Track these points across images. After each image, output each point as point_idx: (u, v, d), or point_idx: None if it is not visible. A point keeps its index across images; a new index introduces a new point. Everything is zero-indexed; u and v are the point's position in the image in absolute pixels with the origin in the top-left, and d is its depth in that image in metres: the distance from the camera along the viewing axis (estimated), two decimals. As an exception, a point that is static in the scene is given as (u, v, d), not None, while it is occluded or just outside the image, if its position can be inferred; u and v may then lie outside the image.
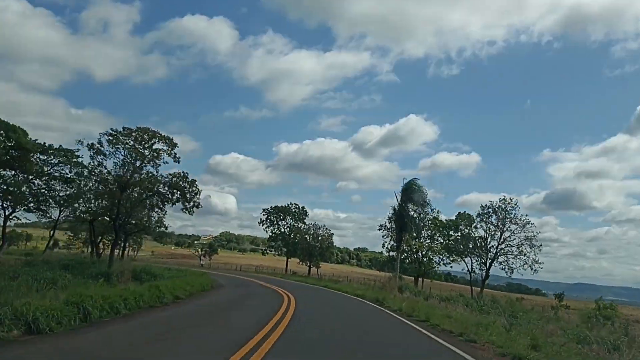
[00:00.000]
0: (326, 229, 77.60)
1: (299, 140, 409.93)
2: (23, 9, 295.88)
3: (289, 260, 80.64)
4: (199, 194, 36.80)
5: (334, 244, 76.01)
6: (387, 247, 55.68)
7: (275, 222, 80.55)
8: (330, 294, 31.23)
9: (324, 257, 78.00)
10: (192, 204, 36.21)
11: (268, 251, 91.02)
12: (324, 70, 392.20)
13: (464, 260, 55.45)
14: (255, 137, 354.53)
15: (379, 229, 53.78)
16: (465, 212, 57.34)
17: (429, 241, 57.82)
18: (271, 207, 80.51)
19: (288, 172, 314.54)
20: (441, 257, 57.92)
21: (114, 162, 33.84)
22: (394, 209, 39.86)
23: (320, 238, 75.90)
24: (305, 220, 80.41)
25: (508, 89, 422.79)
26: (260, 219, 79.97)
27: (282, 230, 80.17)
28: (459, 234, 56.26)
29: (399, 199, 37.93)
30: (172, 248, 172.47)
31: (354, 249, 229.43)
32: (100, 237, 45.61)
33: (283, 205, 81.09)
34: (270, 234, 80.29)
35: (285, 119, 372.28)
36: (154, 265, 39.81)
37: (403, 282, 38.93)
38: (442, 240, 58.47)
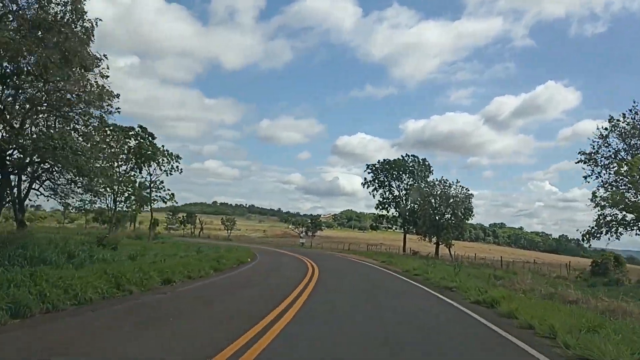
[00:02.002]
0: (461, 186, 51.53)
1: (426, 116, 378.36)
2: (158, 5, 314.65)
3: (406, 236, 56.51)
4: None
5: (472, 212, 50.56)
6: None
7: (385, 183, 56.98)
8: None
9: (460, 230, 52.39)
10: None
11: (382, 225, 67.47)
12: (453, 40, 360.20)
13: None
14: (381, 116, 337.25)
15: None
16: None
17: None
18: (379, 162, 57.01)
19: (415, 149, 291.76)
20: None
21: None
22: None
23: (452, 201, 50.43)
24: (428, 178, 55.59)
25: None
26: (365, 179, 57.11)
27: (397, 193, 56.26)
28: None
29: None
30: (288, 227, 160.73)
31: (490, 225, 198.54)
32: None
33: (396, 159, 57.10)
34: (380, 198, 57.01)
35: (412, 94, 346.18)
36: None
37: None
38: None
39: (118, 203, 41.68)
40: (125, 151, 35.34)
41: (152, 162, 39.58)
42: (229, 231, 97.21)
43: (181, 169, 46.14)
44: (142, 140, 37.02)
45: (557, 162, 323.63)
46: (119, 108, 20.51)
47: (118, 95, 19.28)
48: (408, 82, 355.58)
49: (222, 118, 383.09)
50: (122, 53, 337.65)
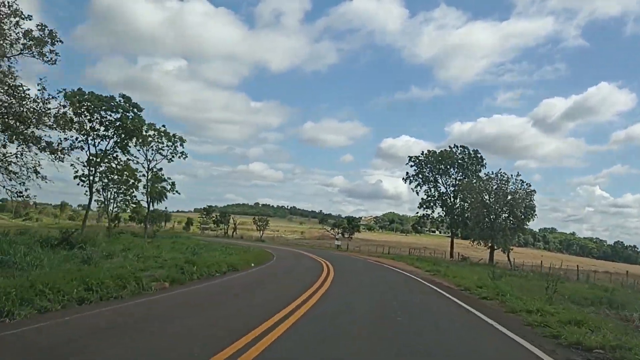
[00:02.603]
0: (521, 181, 43.70)
1: (473, 119, 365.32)
2: (206, 10, 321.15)
3: (454, 239, 49.19)
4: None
5: (534, 212, 42.32)
6: None
7: (431, 179, 49.97)
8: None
9: (519, 232, 44.40)
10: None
11: (426, 226, 60.16)
12: (501, 41, 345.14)
13: None
14: (426, 118, 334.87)
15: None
16: None
17: None
18: (424, 154, 50.14)
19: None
20: None
21: None
22: None
23: (510, 199, 42.77)
24: (480, 173, 48.08)
25: None
26: (407, 173, 50.41)
27: (444, 189, 49.17)
28: None
29: None
30: (324, 228, 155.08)
31: (539, 230, 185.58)
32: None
33: (443, 150, 50.00)
34: (424, 196, 50.01)
35: (458, 96, 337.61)
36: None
37: None
38: None
39: (116, 196, 36.92)
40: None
41: (139, 140, 34.17)
42: (261, 232, 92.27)
43: (186, 154, 41.09)
44: (125, 113, 31.84)
45: (609, 166, 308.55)
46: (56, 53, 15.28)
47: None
48: (454, 84, 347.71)
49: (266, 121, 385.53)
50: (170, 57, 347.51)
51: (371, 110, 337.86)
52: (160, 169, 40.93)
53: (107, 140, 32.53)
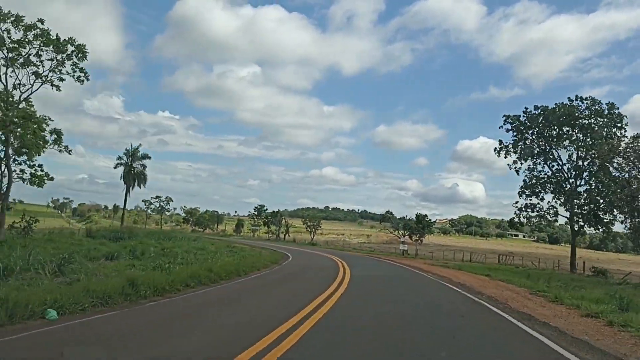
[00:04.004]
0: None
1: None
2: (279, 15, 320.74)
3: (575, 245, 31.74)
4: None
5: None
6: None
7: (535, 149, 32.85)
8: None
9: None
10: None
11: (531, 224, 41.05)
12: (588, 34, 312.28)
13: None
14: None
15: None
16: None
17: None
18: (527, 110, 33.13)
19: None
20: None
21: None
22: None
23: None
24: (622, 131, 30.16)
25: None
26: (500, 142, 33.48)
27: (558, 165, 31.84)
28: None
29: None
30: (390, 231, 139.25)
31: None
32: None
33: (558, 104, 32.56)
34: (527, 175, 32.78)
35: (539, 95, 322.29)
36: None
37: None
38: None
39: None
40: None
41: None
42: (312, 234, 77.79)
43: (86, 75, 25.99)
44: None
45: None
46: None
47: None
48: (535, 82, 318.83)
49: (339, 124, 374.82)
50: (245, 63, 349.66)
51: (446, 112, 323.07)
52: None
53: None
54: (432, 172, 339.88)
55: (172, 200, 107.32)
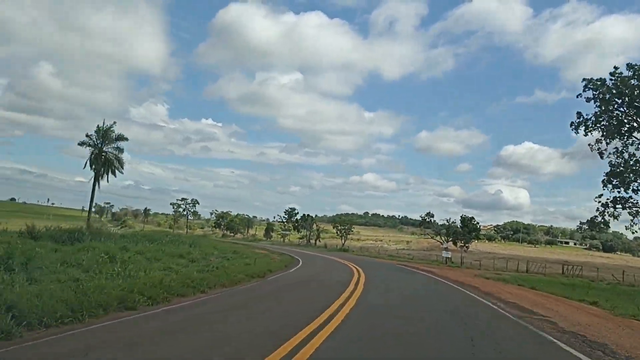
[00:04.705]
0: None
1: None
2: (321, 21, 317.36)
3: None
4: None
5: None
6: None
7: (626, 124, 25.23)
8: None
9: None
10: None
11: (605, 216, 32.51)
12: None
13: None
14: (550, 123, 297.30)
15: None
16: None
17: None
18: (615, 72, 25.48)
19: (589, 159, 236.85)
20: None
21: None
22: None
23: None
24: None
25: None
26: (578, 115, 26.22)
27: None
28: None
29: None
30: (431, 237, 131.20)
31: None
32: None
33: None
34: (614, 160, 25.21)
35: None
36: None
37: None
38: None
39: None
40: None
41: None
42: (343, 239, 71.25)
43: None
44: None
45: None
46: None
47: None
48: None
49: (380, 130, 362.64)
50: (286, 70, 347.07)
51: (490, 117, 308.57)
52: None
53: None
54: (475, 178, 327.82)
55: (198, 203, 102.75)
